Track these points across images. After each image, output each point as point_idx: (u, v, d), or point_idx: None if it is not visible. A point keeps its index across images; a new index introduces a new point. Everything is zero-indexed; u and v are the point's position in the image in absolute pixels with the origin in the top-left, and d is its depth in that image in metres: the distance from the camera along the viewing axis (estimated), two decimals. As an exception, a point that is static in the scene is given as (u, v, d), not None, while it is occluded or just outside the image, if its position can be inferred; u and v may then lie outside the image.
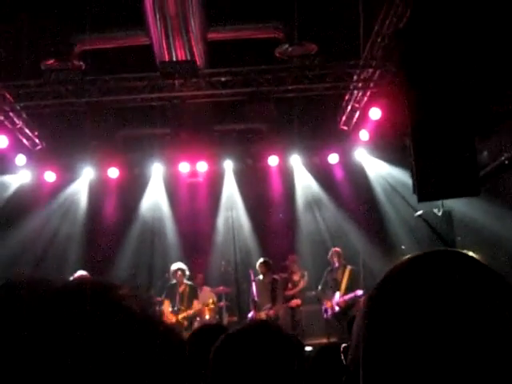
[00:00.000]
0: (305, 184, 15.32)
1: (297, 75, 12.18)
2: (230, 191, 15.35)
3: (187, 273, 11.97)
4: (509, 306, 1.04)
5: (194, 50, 11.38)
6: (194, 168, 14.63)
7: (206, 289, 13.00)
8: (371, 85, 12.69)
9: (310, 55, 11.96)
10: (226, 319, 12.90)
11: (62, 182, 14.80)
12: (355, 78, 12.63)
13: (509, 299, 1.05)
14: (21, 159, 13.96)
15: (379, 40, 11.45)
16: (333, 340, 10.92)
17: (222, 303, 13.10)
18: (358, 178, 14.72)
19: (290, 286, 13.00)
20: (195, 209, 15.31)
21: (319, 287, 12.48)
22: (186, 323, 11.49)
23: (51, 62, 11.82)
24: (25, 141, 13.89)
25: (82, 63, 12.06)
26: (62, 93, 12.16)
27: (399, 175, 13.52)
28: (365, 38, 11.56)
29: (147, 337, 0.75)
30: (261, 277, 12.43)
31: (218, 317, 12.46)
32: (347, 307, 11.79)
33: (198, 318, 11.72)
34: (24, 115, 13.28)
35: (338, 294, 12.01)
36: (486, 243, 11.59)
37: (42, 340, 0.68)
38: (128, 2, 10.70)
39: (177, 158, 14.49)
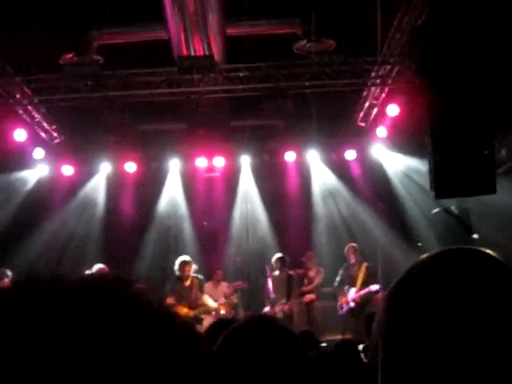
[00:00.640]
0: (322, 180, 15.28)
1: (315, 71, 12.15)
2: (247, 186, 15.35)
3: (194, 266, 11.87)
4: None
5: (212, 45, 11.37)
6: (210, 163, 14.65)
7: (224, 284, 13.03)
8: (389, 81, 12.64)
9: (328, 51, 11.92)
10: (241, 314, 12.92)
11: (79, 176, 14.86)
12: (373, 74, 12.59)
13: None
14: (39, 153, 14.05)
15: (398, 36, 11.40)
16: (348, 336, 10.91)
17: (237, 298, 13.11)
18: (375, 174, 14.67)
19: (305, 282, 13.01)
20: (212, 204, 15.34)
21: (335, 283, 12.47)
22: (202, 317, 11.40)
23: (69, 56, 11.86)
24: (43, 134, 13.97)
25: (100, 58, 12.10)
26: (80, 87, 12.21)
27: (418, 171, 13.40)
28: (383, 34, 11.51)
29: (165, 332, 0.75)
30: (277, 272, 12.44)
31: (233, 311, 12.47)
32: (363, 303, 11.78)
33: (213, 313, 11.70)
34: (42, 109, 13.36)
35: (353, 290, 12.00)
36: (504, 241, 11.52)
37: (60, 335, 0.68)
38: (147, -4, 10.72)
39: (194, 153, 14.51)
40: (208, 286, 12.38)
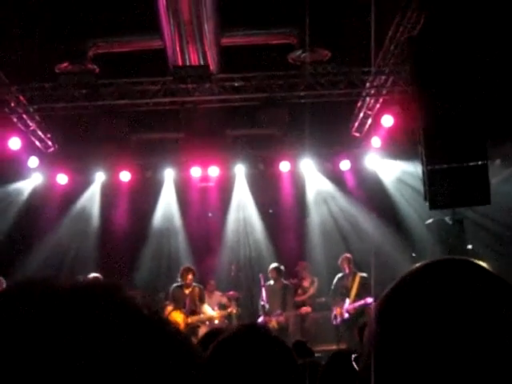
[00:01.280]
0: (316, 189, 15.29)
1: (309, 81, 12.18)
2: (241, 196, 15.35)
3: (195, 274, 11.88)
4: None
5: (208, 55, 11.40)
6: (205, 172, 14.65)
7: (217, 293, 13.01)
8: (384, 92, 12.68)
9: (323, 61, 11.97)
10: (235, 324, 12.87)
11: (74, 185, 14.82)
12: (368, 84, 12.62)
13: None
14: (33, 161, 14.02)
15: (392, 47, 11.44)
16: (342, 347, 10.89)
17: (232, 308, 13.06)
18: (370, 183, 14.67)
19: (299, 292, 13.00)
20: (206, 213, 15.33)
21: (330, 293, 12.45)
22: (199, 325, 11.40)
23: (65, 65, 11.88)
24: (37, 143, 13.96)
25: (95, 67, 12.12)
26: (76, 96, 12.22)
27: (413, 175, 13.33)
28: (377, 45, 11.55)
29: (154, 338, 0.75)
30: (272, 282, 12.42)
31: (227, 321, 12.43)
32: (357, 314, 11.74)
33: (207, 323, 11.68)
34: (37, 118, 13.36)
35: (347, 301, 11.98)
36: (498, 252, 11.54)
37: (48, 338, 0.69)
38: (142, 6, 10.74)
39: (189, 163, 14.51)
40: (204, 295, 12.37)
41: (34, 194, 14.57)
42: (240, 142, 15.10)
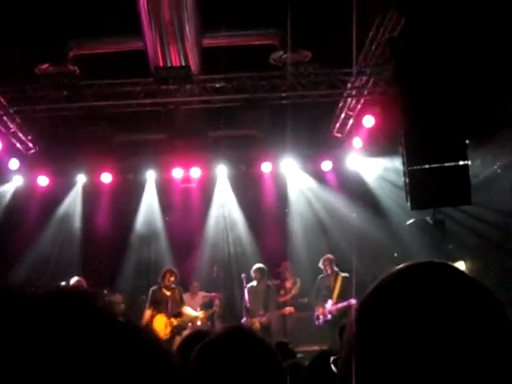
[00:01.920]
0: (298, 190, 15.32)
1: (291, 82, 12.20)
2: (223, 197, 15.35)
3: (177, 277, 11.84)
4: (492, 317, 1.06)
5: (189, 56, 11.37)
6: (187, 174, 14.63)
7: (200, 294, 12.99)
8: (365, 92, 12.72)
9: (304, 62, 11.99)
10: (218, 325, 12.85)
11: (55, 187, 14.75)
12: (349, 85, 12.66)
13: (493, 311, 1.07)
14: (14, 163, 13.94)
15: (373, 48, 11.48)
16: (324, 347, 10.89)
17: (214, 309, 13.04)
18: (351, 184, 14.69)
19: (282, 292, 13.00)
20: (188, 215, 15.30)
21: (312, 294, 12.46)
22: (185, 327, 11.38)
23: (45, 66, 11.81)
24: (18, 145, 13.87)
25: (76, 68, 12.05)
26: (57, 97, 12.16)
27: (394, 179, 13.38)
28: (359, 45, 11.59)
29: (129, 345, 0.75)
30: (254, 283, 12.40)
31: (209, 323, 12.42)
32: (340, 315, 11.75)
33: (189, 324, 11.65)
34: (18, 119, 13.27)
35: (330, 302, 11.99)
36: (478, 252, 11.61)
37: (19, 344, 0.68)
38: (123, 7, 10.69)
39: (171, 164, 14.48)
40: (185, 297, 12.33)
41: (15, 196, 14.48)
42: (222, 142, 15.08)
